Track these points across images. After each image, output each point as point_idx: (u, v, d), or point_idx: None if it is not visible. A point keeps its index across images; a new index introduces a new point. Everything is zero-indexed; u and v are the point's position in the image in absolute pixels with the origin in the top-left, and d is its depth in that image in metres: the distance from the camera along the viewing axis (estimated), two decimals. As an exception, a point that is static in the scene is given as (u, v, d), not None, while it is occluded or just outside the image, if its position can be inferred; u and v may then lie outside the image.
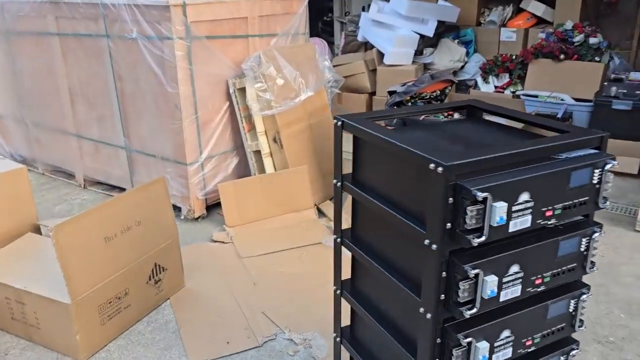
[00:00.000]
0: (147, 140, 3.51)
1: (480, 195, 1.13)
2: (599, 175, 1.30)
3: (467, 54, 5.37)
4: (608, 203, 1.36)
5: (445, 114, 3.11)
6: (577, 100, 4.65)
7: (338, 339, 1.79)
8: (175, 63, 3.14)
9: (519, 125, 1.76)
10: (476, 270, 1.19)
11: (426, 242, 1.23)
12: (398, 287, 1.39)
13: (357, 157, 1.54)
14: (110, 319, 2.32)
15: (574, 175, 1.27)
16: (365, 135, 1.43)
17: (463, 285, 1.21)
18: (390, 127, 1.55)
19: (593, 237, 1.37)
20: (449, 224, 1.19)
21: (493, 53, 5.37)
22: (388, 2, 5.18)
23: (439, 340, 1.29)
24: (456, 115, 1.91)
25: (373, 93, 5.24)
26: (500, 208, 1.16)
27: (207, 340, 2.35)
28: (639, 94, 4.00)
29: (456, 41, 5.42)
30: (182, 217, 3.46)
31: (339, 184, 1.59)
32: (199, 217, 3.52)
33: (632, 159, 4.02)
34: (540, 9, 5.23)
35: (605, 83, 4.23)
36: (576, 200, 1.30)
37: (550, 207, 1.26)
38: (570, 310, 1.44)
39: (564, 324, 1.45)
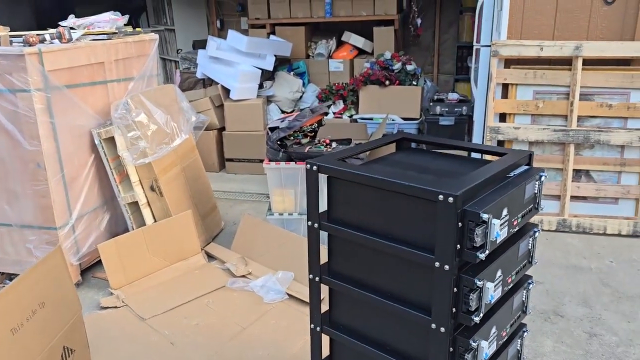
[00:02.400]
0: (-2, 208, 3.03)
1: (486, 216, 1.32)
2: (538, 185, 1.61)
3: (304, 84, 5.73)
4: (543, 207, 1.68)
5: (325, 144, 3.34)
6: (404, 119, 5.32)
7: (319, 375, 1.83)
8: (35, 118, 2.80)
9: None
10: (482, 281, 1.39)
11: (437, 264, 1.38)
12: (397, 311, 1.51)
13: (332, 196, 1.63)
14: None
15: (527, 188, 1.55)
16: (350, 176, 1.53)
17: (472, 296, 1.39)
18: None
19: (535, 235, 1.67)
20: (458, 245, 1.36)
21: (325, 82, 5.82)
22: (225, 40, 5.27)
23: (451, 350, 1.45)
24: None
25: (222, 129, 5.25)
26: (496, 225, 1.37)
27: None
28: (457, 110, 4.77)
29: (291, 73, 5.74)
30: (57, 289, 3.05)
31: (315, 224, 1.65)
32: (76, 284, 3.14)
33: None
34: (360, 42, 5.85)
35: (431, 103, 4.93)
36: (528, 208, 1.59)
37: (515, 217, 1.52)
38: (523, 299, 1.73)
39: (520, 312, 1.73)
